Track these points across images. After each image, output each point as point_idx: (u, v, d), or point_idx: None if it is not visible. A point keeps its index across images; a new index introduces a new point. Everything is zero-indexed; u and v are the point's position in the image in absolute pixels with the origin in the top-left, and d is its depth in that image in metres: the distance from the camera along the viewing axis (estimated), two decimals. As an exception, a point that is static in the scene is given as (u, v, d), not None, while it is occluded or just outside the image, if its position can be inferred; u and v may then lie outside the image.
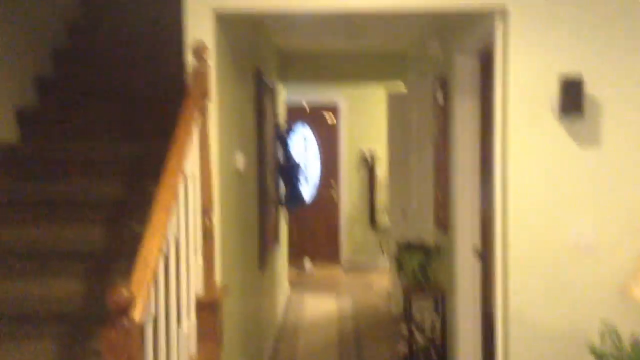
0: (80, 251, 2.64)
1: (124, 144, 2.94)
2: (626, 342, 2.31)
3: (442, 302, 4.09)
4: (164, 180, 1.99)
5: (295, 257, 7.69)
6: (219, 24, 2.62)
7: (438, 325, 4.08)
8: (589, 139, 2.48)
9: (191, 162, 2.29)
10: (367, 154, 8.10)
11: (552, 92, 2.47)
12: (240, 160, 3.12)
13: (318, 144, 8.31)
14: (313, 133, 8.30)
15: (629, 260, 2.46)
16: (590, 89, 2.45)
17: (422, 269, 4.14)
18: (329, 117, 8.21)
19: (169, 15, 2.79)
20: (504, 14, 2.52)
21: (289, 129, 5.93)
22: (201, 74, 2.45)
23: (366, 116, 8.05)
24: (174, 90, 2.66)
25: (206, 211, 2.46)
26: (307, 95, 7.99)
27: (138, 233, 1.94)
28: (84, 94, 3.27)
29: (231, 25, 3.01)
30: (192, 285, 2.26)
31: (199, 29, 2.55)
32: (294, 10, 2.53)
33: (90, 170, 2.88)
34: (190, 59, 2.51)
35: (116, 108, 3.12)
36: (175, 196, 2.01)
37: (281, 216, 5.74)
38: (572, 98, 2.39)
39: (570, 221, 2.51)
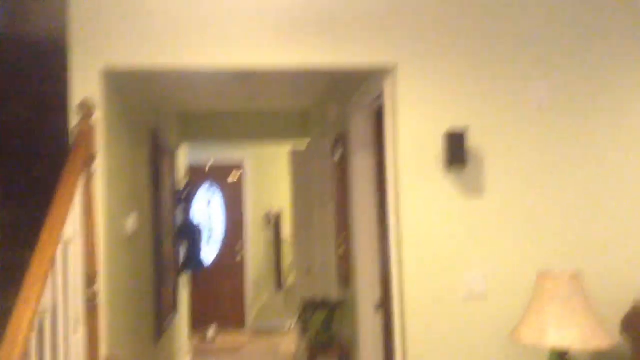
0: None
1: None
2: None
3: (347, 359, 4.04)
4: (38, 249, 1.83)
5: (198, 323, 7.36)
6: (107, 82, 2.54)
7: (345, 385, 4.00)
8: (473, 189, 2.60)
9: (72, 228, 2.14)
10: (273, 213, 8.07)
11: (438, 146, 2.59)
12: (130, 224, 2.97)
13: (223, 204, 8.18)
14: (218, 193, 8.17)
15: (520, 306, 2.55)
16: (474, 141, 2.59)
17: (326, 326, 4.09)
18: (232, 176, 8.14)
19: (57, 72, 2.66)
20: (392, 72, 2.64)
21: (191, 191, 5.80)
22: (86, 134, 2.34)
23: (272, 175, 8.06)
24: (59, 151, 2.50)
25: (90, 279, 2.29)
26: (212, 154, 7.90)
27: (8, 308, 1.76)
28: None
29: (123, 85, 2.94)
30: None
31: (86, 87, 2.46)
32: (184, 68, 2.50)
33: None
34: (75, 118, 2.40)
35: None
36: (51, 266, 1.85)
37: (181, 282, 5.50)
38: (456, 151, 2.51)
39: (461, 271, 2.58)
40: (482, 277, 2.58)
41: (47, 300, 1.86)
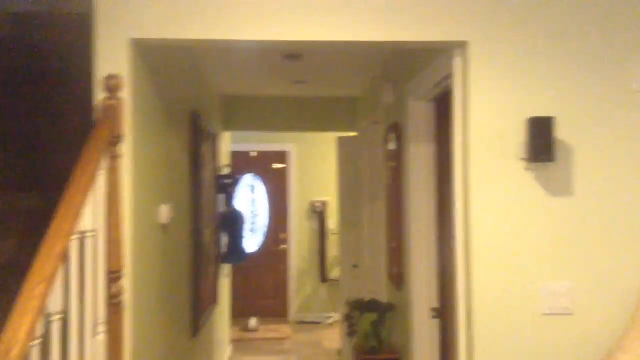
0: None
1: (21, 195, 2.48)
2: None
3: (397, 367, 3.70)
4: (44, 243, 1.56)
5: (239, 314, 7.15)
6: (137, 55, 2.25)
7: (394, 394, 3.67)
8: (561, 188, 2.20)
9: (92, 218, 1.87)
10: (318, 204, 7.76)
11: (519, 136, 2.19)
12: (164, 213, 2.69)
13: (267, 194, 7.92)
14: (262, 182, 7.92)
15: (615, 327, 2.14)
16: (560, 131, 2.18)
17: (375, 330, 3.75)
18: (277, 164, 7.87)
19: (82, 44, 2.41)
20: (463, 49, 2.25)
21: (234, 178, 5.54)
22: (112, 111, 2.06)
23: (318, 164, 7.74)
24: (84, 131, 2.24)
25: (114, 275, 2.02)
26: (256, 142, 7.65)
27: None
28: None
29: (158, 62, 2.65)
30: (89, 371, 1.80)
31: (114, 60, 2.17)
32: (222, 40, 2.18)
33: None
34: (100, 94, 2.12)
35: (12, 153, 2.65)
36: (61, 262, 1.58)
37: (222, 272, 5.27)
38: (542, 141, 2.11)
39: (543, 281, 2.19)
40: (568, 289, 2.18)
41: (57, 301, 1.60)
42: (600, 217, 2.20)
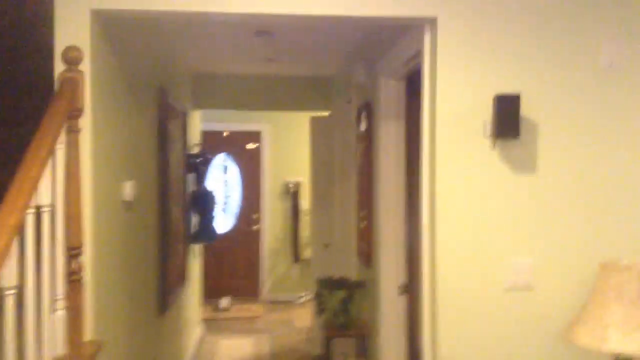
0: None
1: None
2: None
3: (365, 342, 3.73)
4: (-2, 214, 1.52)
5: (212, 294, 7.13)
6: (99, 26, 2.19)
7: (362, 370, 3.71)
8: (525, 163, 2.22)
9: (51, 192, 1.83)
10: (291, 184, 7.74)
11: (485, 113, 2.20)
12: (128, 190, 2.65)
13: (240, 173, 7.86)
14: (235, 162, 7.85)
15: (573, 301, 2.19)
16: (527, 108, 2.20)
17: (344, 307, 3.78)
18: (251, 144, 7.81)
19: (41, 13, 2.33)
20: (433, 24, 2.24)
21: (205, 157, 5.48)
22: (71, 84, 2.01)
23: (291, 144, 7.69)
24: (42, 105, 2.18)
25: (73, 252, 1.99)
26: (229, 122, 7.56)
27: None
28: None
29: (122, 35, 2.59)
30: (46, 345, 1.78)
31: (74, 31, 2.11)
32: (186, 11, 2.13)
33: None
34: (58, 67, 2.06)
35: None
36: (15, 234, 1.54)
37: (191, 251, 5.23)
38: (508, 118, 2.12)
39: (505, 257, 2.22)
40: (529, 265, 2.22)
41: (10, 275, 1.56)
42: (562, 194, 2.23)
